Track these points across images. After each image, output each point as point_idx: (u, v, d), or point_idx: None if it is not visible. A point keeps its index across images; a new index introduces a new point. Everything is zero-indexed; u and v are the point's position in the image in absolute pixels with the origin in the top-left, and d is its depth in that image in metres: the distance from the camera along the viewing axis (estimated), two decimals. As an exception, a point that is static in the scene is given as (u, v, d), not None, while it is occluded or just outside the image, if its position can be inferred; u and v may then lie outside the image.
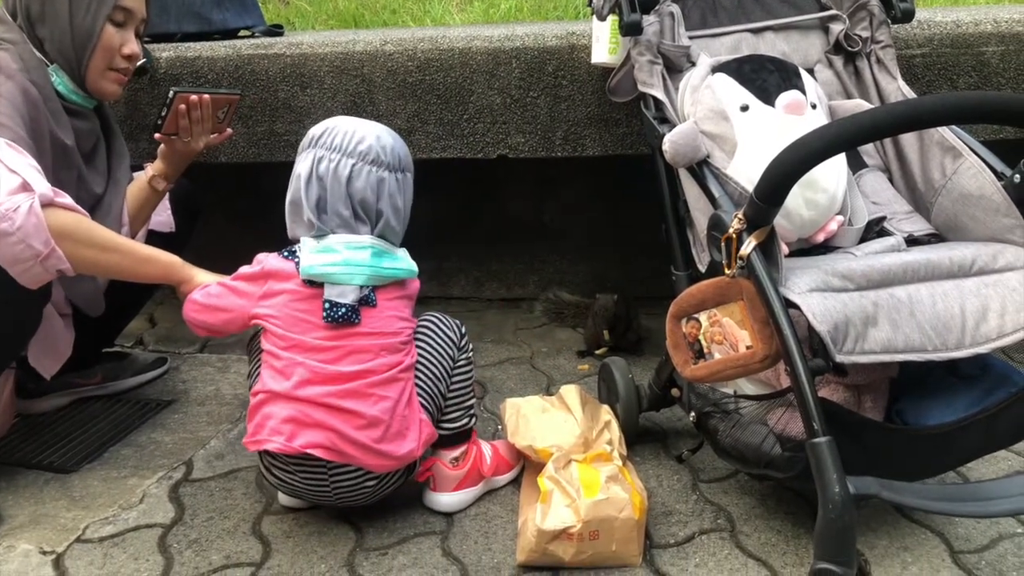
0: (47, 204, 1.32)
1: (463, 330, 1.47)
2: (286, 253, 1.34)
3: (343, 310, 1.29)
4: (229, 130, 1.75)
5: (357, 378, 1.29)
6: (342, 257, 1.31)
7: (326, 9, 3.43)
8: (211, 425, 1.75)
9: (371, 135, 1.35)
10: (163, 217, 1.79)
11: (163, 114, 1.62)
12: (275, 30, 2.34)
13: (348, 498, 1.34)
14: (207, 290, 1.38)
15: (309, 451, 1.27)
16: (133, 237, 1.70)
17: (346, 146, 1.33)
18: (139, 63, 1.57)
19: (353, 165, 1.32)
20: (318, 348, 1.29)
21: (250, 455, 1.62)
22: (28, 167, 1.34)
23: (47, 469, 1.58)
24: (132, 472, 1.58)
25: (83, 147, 1.57)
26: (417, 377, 1.37)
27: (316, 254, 1.31)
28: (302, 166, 1.35)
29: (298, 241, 1.35)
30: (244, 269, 1.37)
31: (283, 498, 1.46)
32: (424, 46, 1.94)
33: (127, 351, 2.01)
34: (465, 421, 1.46)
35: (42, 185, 1.33)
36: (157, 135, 1.65)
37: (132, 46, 1.56)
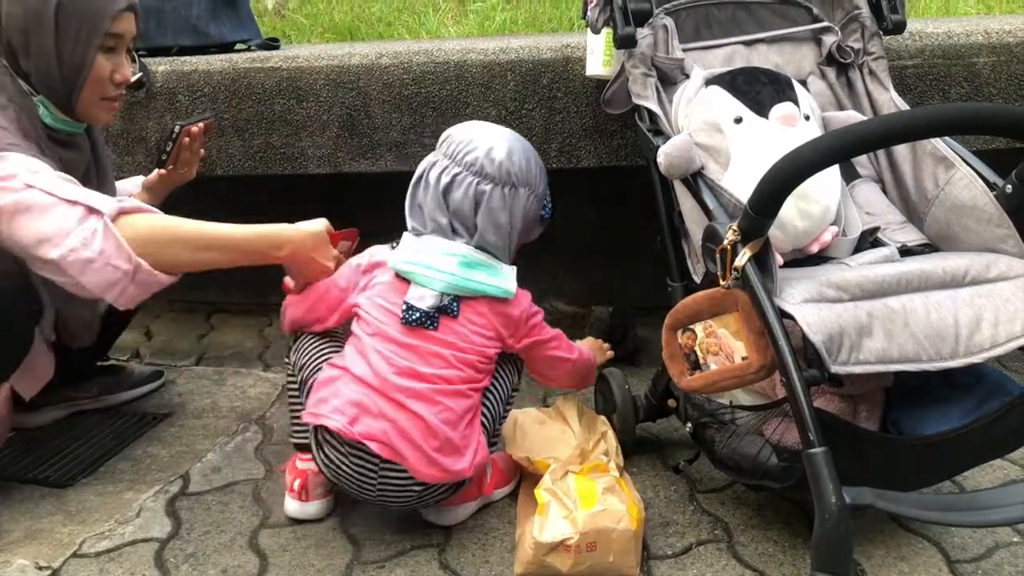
0: (116, 217, 1.28)
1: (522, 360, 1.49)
2: (394, 244, 1.39)
3: (418, 314, 1.31)
4: (202, 151, 1.75)
5: (428, 380, 1.30)
6: (427, 260, 1.33)
7: (322, 22, 3.45)
8: (208, 438, 1.74)
9: (483, 146, 1.35)
10: None
11: (168, 149, 1.63)
12: (271, 43, 2.35)
13: (390, 499, 1.33)
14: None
15: (365, 441, 1.27)
16: None
17: (456, 154, 1.36)
18: (136, 77, 1.57)
19: (456, 174, 1.35)
20: (398, 341, 1.32)
21: (247, 468, 1.61)
22: (80, 190, 1.30)
23: (43, 484, 1.58)
24: (128, 486, 1.57)
25: (73, 177, 1.50)
26: (487, 399, 1.39)
27: (407, 251, 1.35)
28: (421, 166, 1.39)
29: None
30: (353, 260, 1.43)
31: (290, 506, 1.45)
32: (420, 59, 1.95)
33: (123, 364, 2.01)
34: (495, 447, 1.48)
35: (104, 202, 1.29)
36: (163, 170, 1.66)
37: (123, 70, 1.48)
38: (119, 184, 1.72)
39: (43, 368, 1.55)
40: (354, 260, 1.43)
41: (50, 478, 1.59)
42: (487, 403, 1.39)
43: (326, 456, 1.34)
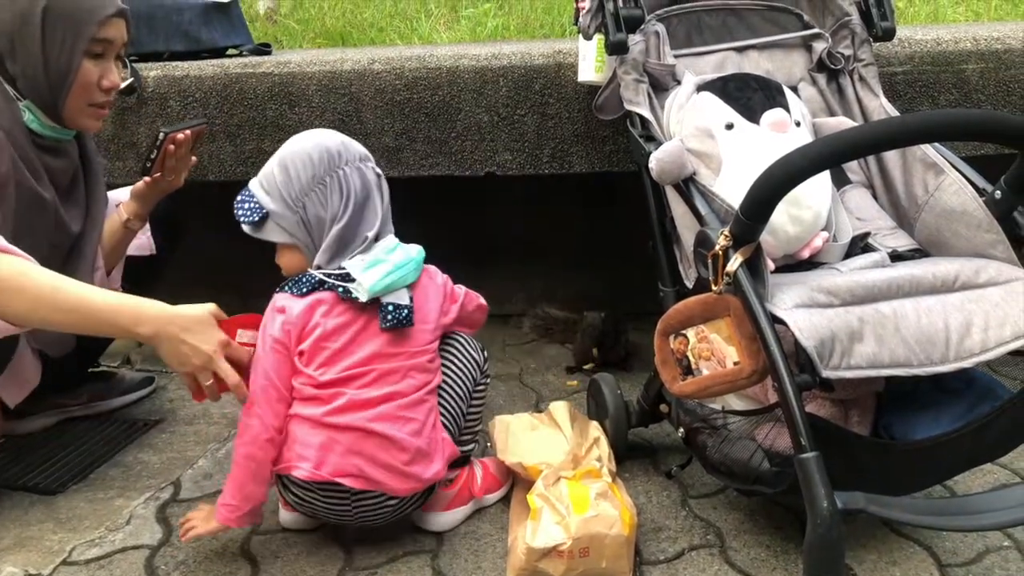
0: None
1: (486, 354, 1.48)
2: (303, 289, 1.30)
3: (405, 311, 1.29)
4: (194, 158, 1.72)
5: (387, 400, 1.28)
6: (391, 264, 1.30)
7: (314, 28, 3.45)
8: (199, 445, 1.73)
9: (349, 140, 1.37)
10: (141, 240, 1.77)
11: (153, 156, 1.59)
12: (263, 49, 2.35)
13: (369, 519, 1.33)
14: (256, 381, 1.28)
15: (337, 480, 1.26)
16: (108, 274, 1.67)
17: (364, 153, 1.35)
18: (127, 82, 1.55)
19: (379, 169, 1.36)
20: (351, 377, 1.28)
21: (238, 475, 1.61)
22: None
23: (32, 491, 1.57)
24: (119, 493, 1.56)
25: (60, 184, 1.50)
26: (441, 397, 1.37)
27: (370, 270, 1.28)
28: (357, 184, 1.31)
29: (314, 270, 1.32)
30: (272, 334, 1.29)
31: (284, 517, 1.44)
32: (412, 65, 1.95)
33: (114, 370, 2.00)
34: (472, 447, 1.47)
35: None
36: (148, 178, 1.63)
37: (112, 77, 1.46)
38: (112, 193, 1.71)
39: (29, 375, 1.54)
40: (268, 343, 1.29)
41: (40, 485, 1.58)
42: (442, 402, 1.37)
43: (296, 496, 1.32)
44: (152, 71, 2.02)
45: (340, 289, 1.28)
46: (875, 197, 1.50)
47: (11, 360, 1.44)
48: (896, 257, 1.36)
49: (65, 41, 1.38)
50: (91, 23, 1.40)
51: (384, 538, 1.40)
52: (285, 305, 1.30)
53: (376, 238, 1.33)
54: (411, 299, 1.32)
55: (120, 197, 1.73)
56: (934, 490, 1.47)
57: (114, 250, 1.69)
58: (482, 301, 1.52)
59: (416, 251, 1.36)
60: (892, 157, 1.45)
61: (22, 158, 1.39)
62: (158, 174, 1.64)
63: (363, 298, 1.27)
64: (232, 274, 2.09)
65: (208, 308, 1.28)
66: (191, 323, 1.25)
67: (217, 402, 1.36)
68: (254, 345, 1.33)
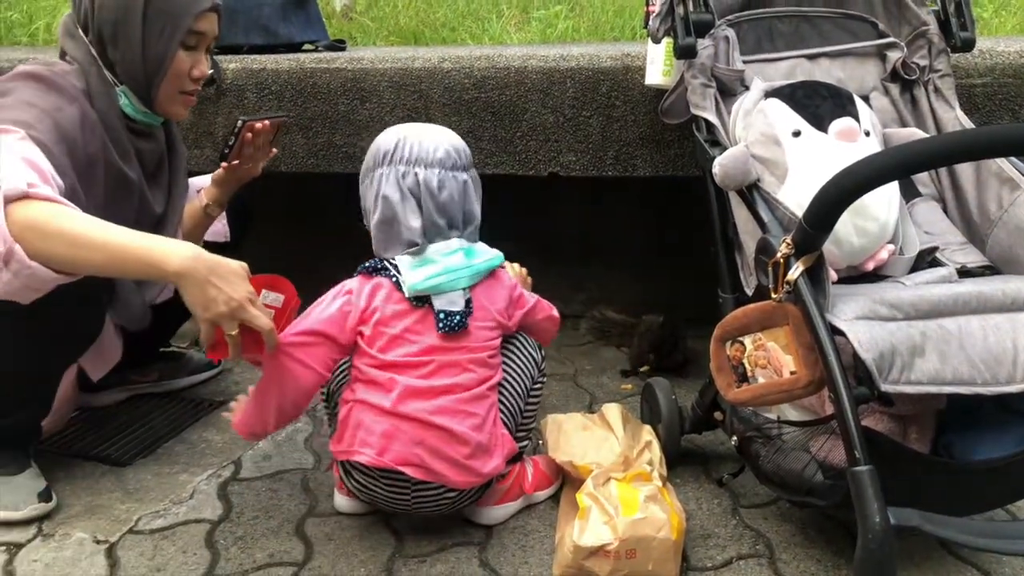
0: (17, 198, 1.18)
1: (543, 352, 1.51)
2: (368, 268, 1.36)
3: (457, 317, 1.32)
4: (274, 150, 1.77)
5: (447, 392, 1.31)
6: (441, 266, 1.33)
7: (387, 26, 3.51)
8: (260, 426, 1.79)
9: (443, 141, 1.37)
10: (218, 227, 1.84)
11: (231, 143, 1.65)
12: (338, 45, 2.40)
13: (426, 509, 1.36)
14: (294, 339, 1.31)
15: (400, 468, 1.29)
16: None
17: (425, 157, 1.34)
18: (207, 74, 1.62)
19: (439, 175, 1.34)
20: (410, 365, 1.31)
21: (296, 458, 1.65)
22: (14, 164, 1.22)
23: (103, 461, 1.64)
24: (183, 468, 1.63)
25: (148, 166, 1.57)
26: (501, 393, 1.40)
27: (416, 269, 1.32)
28: (387, 186, 1.34)
29: (379, 257, 1.38)
30: (330, 310, 1.34)
31: (339, 502, 1.48)
32: (481, 64, 1.98)
33: (183, 351, 2.08)
34: (526, 443, 1.49)
35: (14, 180, 1.19)
36: (225, 164, 1.69)
37: (202, 67, 1.54)
38: (194, 180, 1.78)
39: (112, 351, 1.62)
40: (325, 313, 1.33)
41: (111, 456, 1.66)
42: (502, 398, 1.40)
43: (356, 482, 1.36)
44: (231, 63, 2.09)
45: (394, 278, 1.33)
46: (945, 211, 1.46)
47: (100, 336, 1.52)
48: (965, 273, 1.33)
49: (164, 32, 1.46)
50: (188, 16, 1.47)
51: (434, 528, 1.43)
52: (352, 288, 1.36)
53: (429, 241, 1.34)
54: (467, 302, 1.34)
55: (201, 184, 1.80)
56: (995, 514, 1.43)
57: (192, 234, 1.76)
58: (554, 312, 1.53)
59: (487, 258, 1.38)
60: (966, 170, 1.41)
61: (114, 140, 1.47)
62: (236, 161, 1.70)
63: (407, 294, 1.31)
64: (303, 263, 2.14)
65: (239, 263, 1.26)
66: (221, 268, 1.21)
67: (235, 361, 1.36)
68: (276, 308, 1.33)
